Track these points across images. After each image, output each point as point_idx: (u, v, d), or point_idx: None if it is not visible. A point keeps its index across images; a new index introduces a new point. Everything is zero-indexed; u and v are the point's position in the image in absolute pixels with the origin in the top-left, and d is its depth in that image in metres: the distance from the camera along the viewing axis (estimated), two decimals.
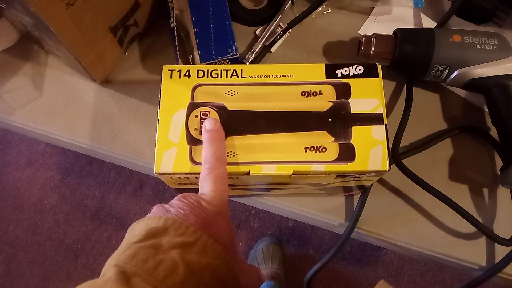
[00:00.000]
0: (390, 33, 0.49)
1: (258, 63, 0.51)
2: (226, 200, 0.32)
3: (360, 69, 0.37)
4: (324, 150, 0.35)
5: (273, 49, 0.53)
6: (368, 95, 0.36)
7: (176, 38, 0.47)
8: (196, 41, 0.48)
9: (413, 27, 0.53)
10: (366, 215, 0.46)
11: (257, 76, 0.37)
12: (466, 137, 0.49)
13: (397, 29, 0.48)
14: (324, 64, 0.37)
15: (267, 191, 0.44)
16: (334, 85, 0.37)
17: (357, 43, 0.50)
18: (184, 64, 0.48)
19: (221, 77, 0.37)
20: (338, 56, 0.53)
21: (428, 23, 0.53)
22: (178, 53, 0.47)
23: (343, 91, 0.36)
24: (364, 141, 0.35)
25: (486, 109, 0.50)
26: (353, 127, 0.35)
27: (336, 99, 0.36)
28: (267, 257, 1.17)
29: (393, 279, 1.20)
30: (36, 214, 1.31)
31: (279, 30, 0.53)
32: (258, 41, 0.52)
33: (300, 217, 0.49)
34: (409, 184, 0.46)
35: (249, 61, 0.51)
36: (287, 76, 0.37)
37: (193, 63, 0.47)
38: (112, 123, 0.51)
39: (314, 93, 0.36)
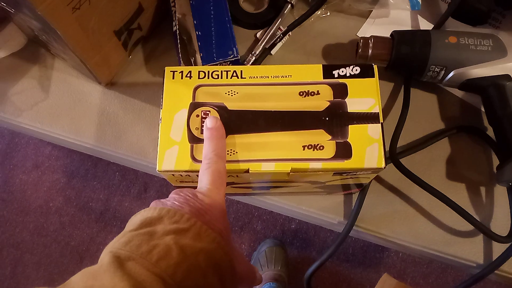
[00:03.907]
0: (388, 35, 0.50)
1: (258, 65, 0.53)
2: (223, 194, 0.33)
3: (356, 70, 0.38)
4: (321, 148, 0.36)
5: (273, 52, 0.54)
6: (364, 95, 0.37)
7: (178, 41, 0.49)
8: (198, 43, 0.49)
9: (410, 29, 0.54)
10: (364, 213, 0.47)
11: (257, 77, 0.38)
12: (463, 136, 0.50)
13: (394, 31, 0.49)
14: (321, 65, 0.38)
15: (267, 189, 0.45)
16: (331, 85, 0.38)
17: (355, 45, 0.51)
18: (186, 66, 0.49)
19: (221, 77, 0.38)
20: (337, 58, 0.54)
21: (425, 25, 0.54)
22: (180, 55, 0.48)
23: (340, 91, 0.37)
24: (361, 139, 0.36)
25: (482, 109, 0.51)
26: (349, 126, 0.36)
27: (333, 98, 0.37)
28: (270, 259, 1.17)
29: None
30: (42, 217, 1.32)
31: (279, 33, 0.54)
32: (259, 43, 0.53)
33: (299, 216, 0.50)
34: (407, 183, 0.47)
35: (250, 63, 0.52)
36: (286, 76, 0.38)
37: (195, 65, 0.49)
38: (117, 124, 0.52)
39: (312, 93, 0.37)
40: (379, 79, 0.52)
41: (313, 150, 0.36)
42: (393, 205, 0.48)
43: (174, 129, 0.36)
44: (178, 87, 0.38)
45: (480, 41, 0.46)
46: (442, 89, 0.52)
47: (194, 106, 0.37)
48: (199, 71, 0.38)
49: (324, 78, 0.38)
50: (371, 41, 0.49)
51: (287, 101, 0.37)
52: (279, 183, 0.41)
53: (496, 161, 0.48)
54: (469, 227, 0.46)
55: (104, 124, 0.52)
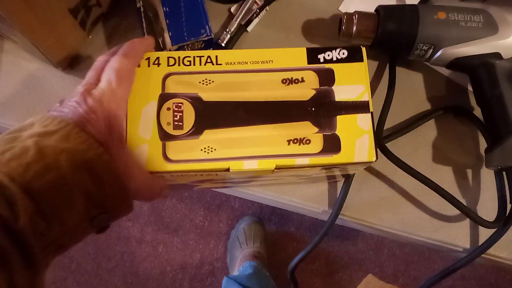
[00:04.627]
0: (372, 10, 0.46)
1: (234, 44, 0.48)
2: (121, 96, 0.31)
3: (344, 53, 0.35)
4: (308, 142, 0.33)
5: (249, 29, 0.50)
6: (353, 81, 0.34)
7: (143, 19, 0.43)
8: (166, 21, 0.44)
9: (396, 3, 0.51)
10: (349, 201, 0.45)
11: (234, 63, 0.34)
12: (449, 117, 0.48)
13: (380, 6, 0.45)
14: (305, 48, 0.35)
15: (248, 182, 0.42)
16: (316, 71, 0.34)
17: (338, 21, 0.47)
18: (154, 47, 0.44)
19: (194, 64, 0.34)
20: (318, 35, 0.50)
21: None
22: (146, 36, 0.43)
23: (327, 78, 0.34)
24: (350, 131, 0.33)
25: (469, 88, 0.49)
26: (337, 117, 0.33)
27: (319, 86, 0.34)
28: (248, 237, 1.16)
29: (373, 252, 1.22)
30: None
31: (255, 7, 0.49)
32: (234, 20, 0.49)
33: (282, 205, 0.47)
34: (392, 168, 0.45)
35: (225, 42, 0.48)
36: (266, 62, 0.34)
37: (164, 46, 0.44)
38: None
39: (296, 80, 0.34)
40: None
41: (299, 144, 0.32)
42: (378, 191, 0.46)
43: (142, 125, 0.32)
44: (145, 76, 0.33)
45: (470, 17, 0.43)
46: (428, 67, 0.49)
47: (164, 98, 0.33)
48: (168, 57, 0.34)
49: (309, 63, 0.34)
50: (355, 17, 0.45)
51: (269, 90, 0.34)
52: (261, 177, 0.38)
53: (482, 143, 0.47)
54: (455, 212, 0.45)
55: None
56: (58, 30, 0.42)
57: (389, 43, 0.45)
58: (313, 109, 0.33)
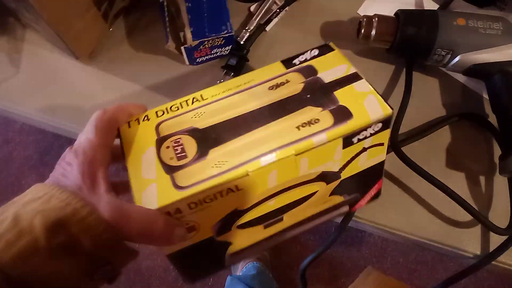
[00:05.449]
0: (391, 14, 0.47)
1: (252, 42, 0.49)
2: (97, 144, 0.30)
3: (315, 52, 0.36)
4: (317, 121, 0.32)
5: (268, 28, 0.50)
6: (334, 65, 0.35)
7: (166, 14, 0.44)
8: (188, 17, 0.44)
9: (414, 8, 0.51)
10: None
11: (219, 93, 0.35)
12: (464, 124, 0.48)
13: (400, 10, 0.46)
14: (279, 61, 0.36)
15: (281, 215, 0.40)
16: (298, 70, 0.35)
17: (356, 24, 0.48)
18: (175, 42, 0.45)
19: (182, 107, 0.34)
20: (336, 36, 0.50)
21: (430, 4, 0.51)
22: (168, 30, 0.44)
23: (309, 72, 0.35)
24: (352, 97, 0.33)
25: (485, 95, 0.49)
26: (335, 92, 0.34)
27: (305, 79, 0.35)
28: None
29: (376, 259, 1.22)
30: (13, 195, 1.25)
31: (275, 7, 0.50)
32: (253, 18, 0.49)
33: None
34: (405, 172, 0.45)
35: (243, 40, 0.48)
36: (249, 82, 0.35)
37: (185, 40, 0.44)
38: (96, 104, 0.47)
39: (282, 83, 0.35)
40: (379, 61, 0.50)
41: (310, 125, 0.32)
42: (390, 194, 0.46)
43: (145, 169, 0.31)
44: (138, 132, 0.33)
45: (490, 24, 0.43)
46: (444, 73, 0.50)
47: (161, 140, 0.32)
48: (156, 111, 0.34)
49: (287, 69, 0.36)
50: (375, 20, 0.45)
51: (260, 98, 0.34)
52: (288, 191, 0.36)
53: (496, 150, 0.47)
54: (467, 217, 0.45)
55: (82, 103, 0.47)
56: (82, 21, 0.43)
57: (408, 47, 0.45)
58: (309, 96, 0.33)
